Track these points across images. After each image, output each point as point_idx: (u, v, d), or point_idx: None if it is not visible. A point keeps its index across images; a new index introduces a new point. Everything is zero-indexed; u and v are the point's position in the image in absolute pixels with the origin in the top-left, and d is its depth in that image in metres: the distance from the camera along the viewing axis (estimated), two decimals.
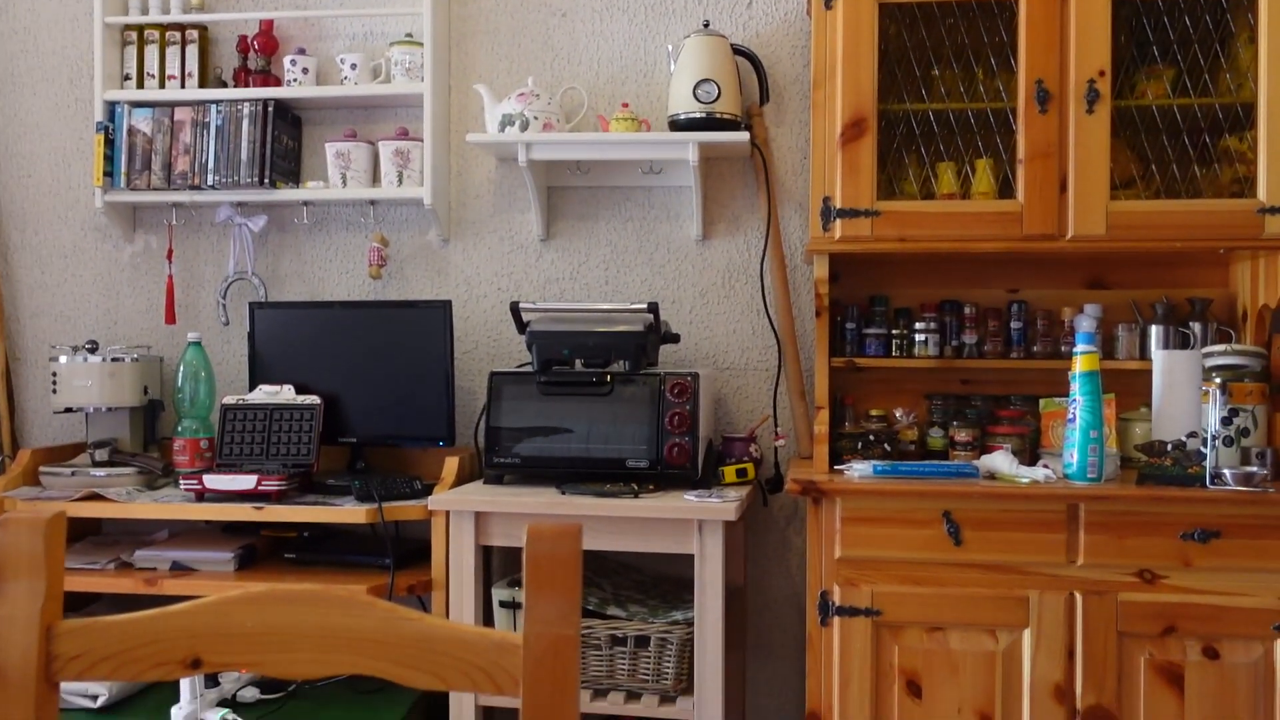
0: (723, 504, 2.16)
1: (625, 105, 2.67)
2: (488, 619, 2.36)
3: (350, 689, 2.49)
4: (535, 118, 2.61)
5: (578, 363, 2.46)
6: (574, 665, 0.82)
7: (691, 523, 2.18)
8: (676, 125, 2.58)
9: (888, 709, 2.16)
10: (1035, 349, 2.52)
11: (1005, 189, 2.38)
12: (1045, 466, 2.23)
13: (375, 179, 2.80)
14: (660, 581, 2.59)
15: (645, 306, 2.43)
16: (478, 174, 2.85)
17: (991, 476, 2.21)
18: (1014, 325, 2.53)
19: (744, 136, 2.54)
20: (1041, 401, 2.44)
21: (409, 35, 2.78)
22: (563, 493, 2.28)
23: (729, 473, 2.44)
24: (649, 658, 2.22)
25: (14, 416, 2.98)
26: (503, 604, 2.33)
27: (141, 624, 0.87)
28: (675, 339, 2.56)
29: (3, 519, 0.89)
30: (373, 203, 2.83)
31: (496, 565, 2.50)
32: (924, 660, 2.15)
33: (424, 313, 2.65)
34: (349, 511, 2.36)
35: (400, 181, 2.74)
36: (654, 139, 2.60)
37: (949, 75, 2.47)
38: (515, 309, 2.49)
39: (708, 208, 2.75)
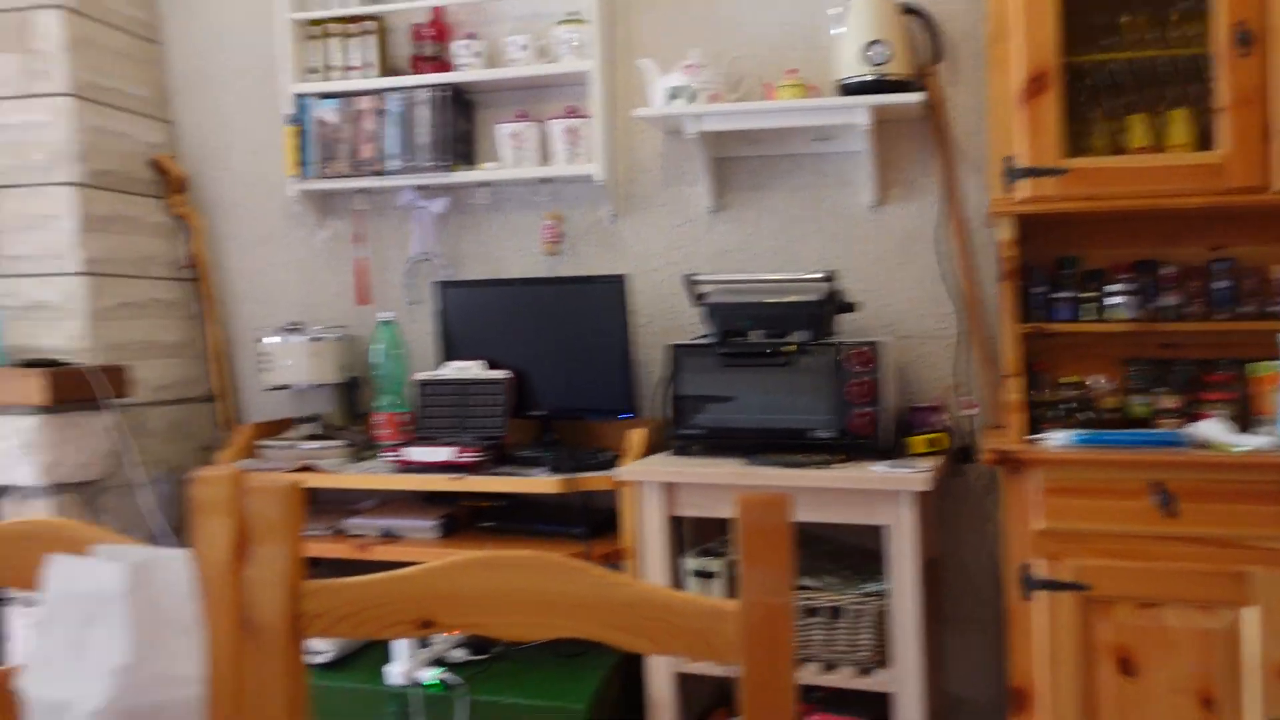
0: (915, 474, 2.14)
1: (792, 72, 2.64)
2: (677, 587, 2.40)
3: (552, 652, 2.58)
4: (702, 89, 2.62)
5: (755, 334, 2.47)
6: (789, 634, 0.84)
7: (884, 494, 2.17)
8: (846, 89, 2.54)
9: (1099, 686, 2.09)
10: (1242, 310, 2.37)
11: (1203, 140, 2.24)
12: (1264, 434, 2.10)
13: (547, 158, 2.87)
14: (849, 552, 2.58)
15: (822, 275, 2.41)
16: (646, 148, 2.88)
17: (1204, 445, 2.10)
18: (1218, 285, 2.38)
19: (917, 98, 2.48)
20: (1250, 366, 2.30)
21: (574, 14, 2.82)
22: (750, 463, 2.30)
23: (918, 442, 2.40)
24: (844, 629, 2.23)
25: (231, 394, 3.20)
26: (697, 573, 2.37)
27: (378, 586, 0.93)
28: (852, 308, 2.53)
29: (249, 489, 0.97)
30: (545, 181, 2.90)
31: (686, 534, 2.53)
32: (1137, 637, 2.07)
33: (600, 287, 2.70)
34: (542, 482, 2.45)
35: (571, 159, 2.80)
36: (823, 105, 2.56)
37: (1139, 21, 2.34)
38: (689, 281, 2.52)
39: (881, 173, 2.70)
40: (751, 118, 2.61)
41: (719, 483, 2.28)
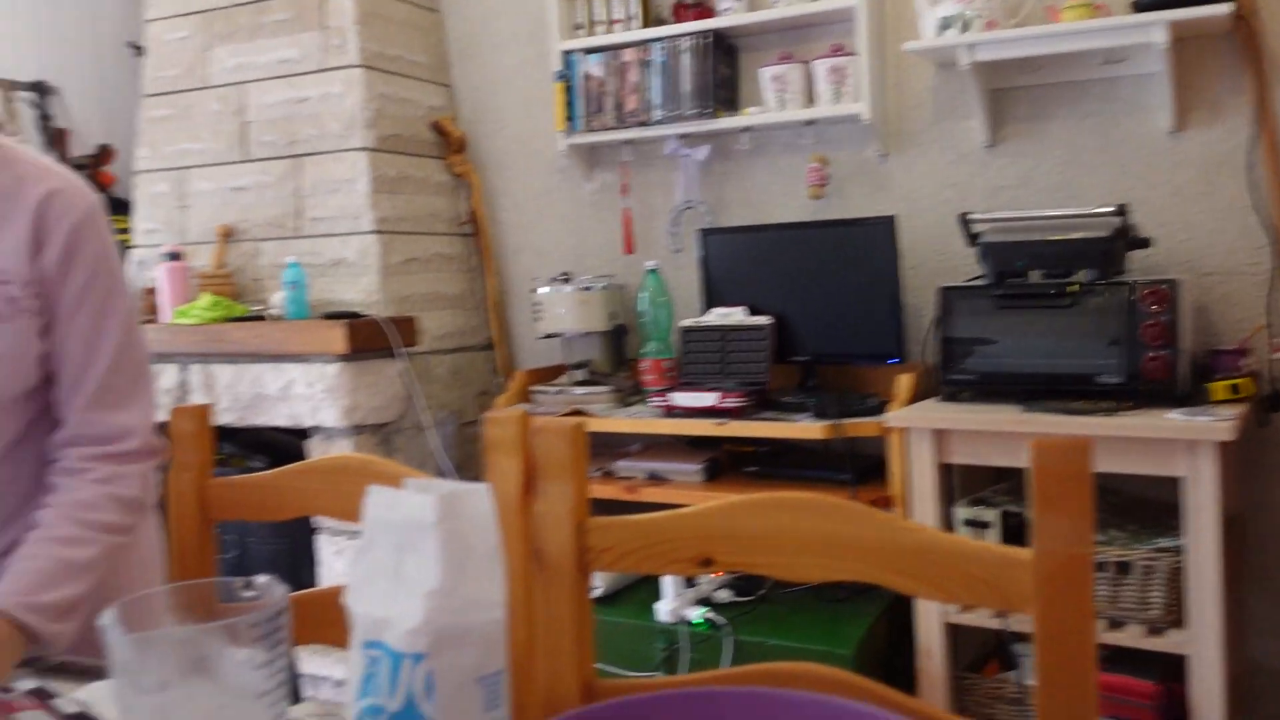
0: (1215, 422, 1.96)
1: None
2: None
3: (817, 597, 2.58)
4: (976, 17, 2.47)
5: (1034, 274, 2.33)
6: (1088, 586, 0.79)
7: (1181, 443, 2.00)
8: (1140, 5, 2.32)
9: None
10: None
11: None
12: None
13: (811, 99, 2.81)
14: (1136, 505, 2.41)
15: (1112, 209, 2.24)
16: (915, 84, 2.77)
17: None
18: None
19: (1225, 8, 2.24)
20: None
21: None
22: (1026, 410, 2.19)
23: (1218, 389, 2.20)
24: (1132, 586, 2.09)
25: (506, 342, 3.37)
26: (968, 523, 2.29)
27: (661, 524, 0.95)
28: (1145, 244, 2.34)
29: (535, 428, 1.01)
30: (810, 123, 2.84)
31: (955, 482, 2.45)
32: None
33: (868, 230, 2.63)
34: (806, 427, 2.43)
35: (837, 99, 2.73)
36: (1115, 24, 2.36)
37: None
38: (964, 220, 2.40)
39: (1180, 95, 2.46)
40: (1033, 44, 2.45)
41: (996, 430, 2.19)
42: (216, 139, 3.24)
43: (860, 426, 2.43)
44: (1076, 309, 2.24)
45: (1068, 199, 2.60)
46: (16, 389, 1.20)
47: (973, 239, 2.40)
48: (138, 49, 3.76)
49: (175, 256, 3.09)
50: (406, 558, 0.73)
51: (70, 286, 1.20)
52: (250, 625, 0.80)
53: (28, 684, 0.81)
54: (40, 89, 3.56)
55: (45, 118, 3.56)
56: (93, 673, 1.09)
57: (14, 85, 3.48)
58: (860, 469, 2.52)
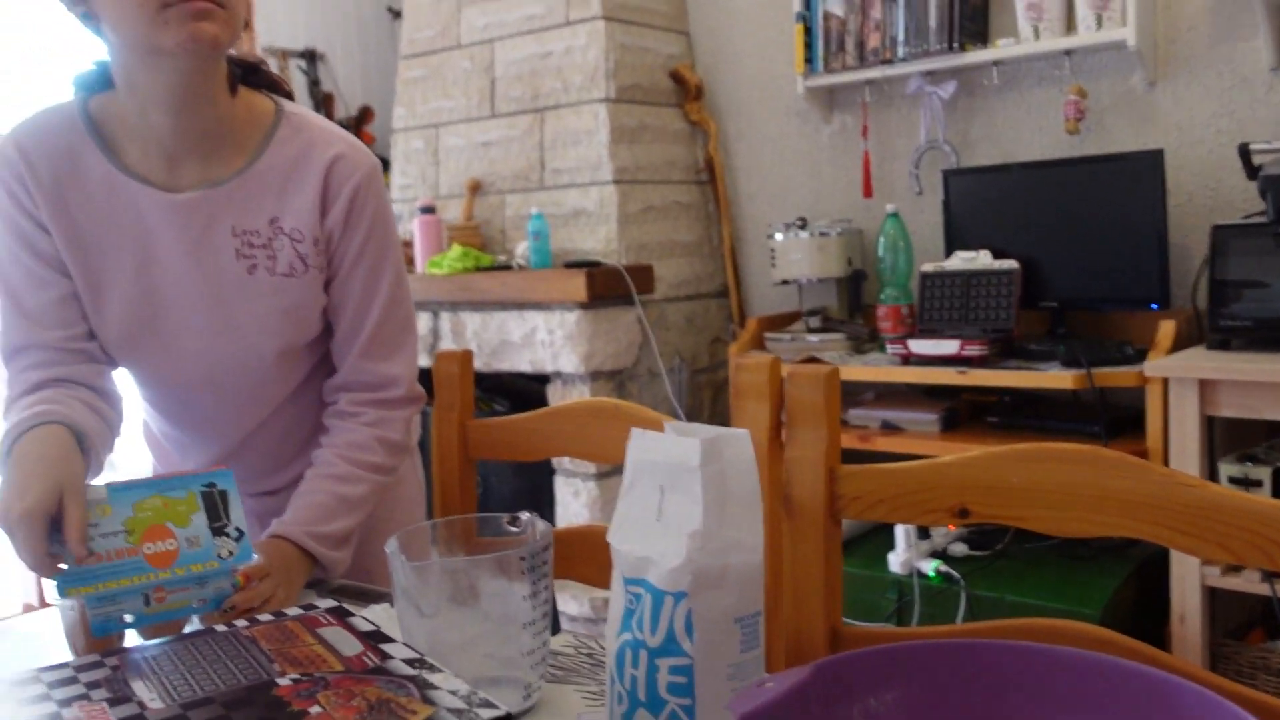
0: None
1: None
2: None
3: (1059, 554, 2.48)
4: None
5: None
6: None
7: None
8: None
9: None
10: None
11: None
12: None
13: (1069, 27, 2.63)
14: None
15: None
16: (1189, 3, 2.54)
17: None
18: None
19: None
20: None
21: None
22: None
23: None
24: None
25: (740, 289, 3.38)
26: (1234, 480, 2.13)
27: (915, 472, 0.94)
28: None
29: (790, 373, 1.01)
30: (1068, 53, 2.66)
31: (1218, 438, 2.28)
32: None
33: (1130, 165, 2.45)
34: (1054, 376, 2.32)
35: (1099, 25, 2.54)
36: None
37: None
38: (1244, 151, 2.20)
39: None
40: None
41: (1272, 380, 2.01)
42: (467, 96, 3.38)
43: (1115, 376, 2.29)
44: None
45: None
46: (304, 338, 1.30)
47: (1253, 172, 2.19)
48: (396, 13, 3.97)
49: (429, 210, 3.27)
50: (669, 499, 0.75)
51: (350, 244, 1.29)
52: (519, 558, 0.84)
53: (326, 603, 0.89)
54: (310, 56, 3.83)
55: (314, 83, 3.83)
56: (369, 596, 1.19)
57: (287, 53, 3.76)
58: (1112, 422, 2.38)
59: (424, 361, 3.03)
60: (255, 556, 1.09)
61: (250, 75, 1.29)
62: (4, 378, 1.24)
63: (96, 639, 0.95)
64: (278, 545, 1.20)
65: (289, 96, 1.34)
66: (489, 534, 0.96)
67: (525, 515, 0.94)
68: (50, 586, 1.02)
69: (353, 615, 0.86)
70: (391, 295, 1.32)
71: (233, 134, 1.24)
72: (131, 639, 0.97)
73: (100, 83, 1.23)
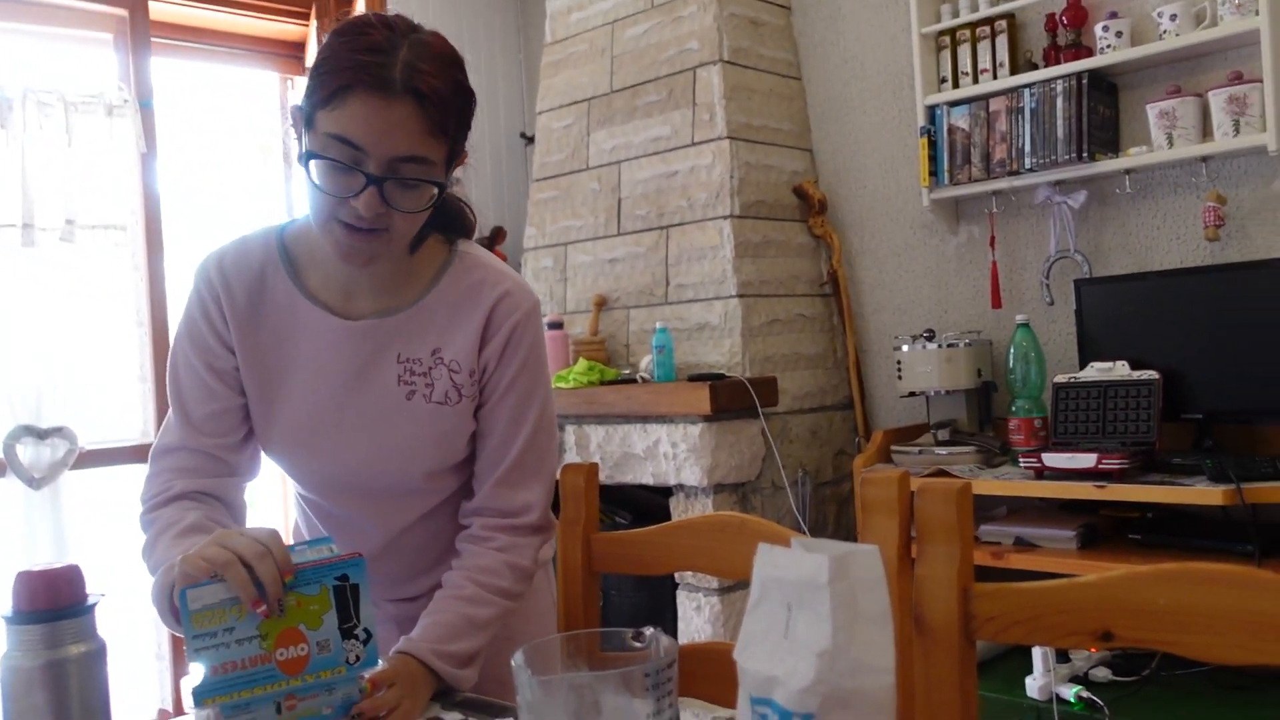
0: None
1: None
2: None
3: (1213, 682, 2.31)
4: None
5: None
6: None
7: None
8: None
9: None
10: None
11: None
12: None
13: (1205, 134, 2.57)
14: None
15: None
16: None
17: None
18: None
19: None
20: None
21: None
22: None
23: None
24: None
25: (865, 401, 3.34)
26: None
27: (1054, 592, 0.90)
28: None
29: (921, 487, 0.99)
30: (1204, 159, 2.60)
31: None
32: None
33: (1274, 271, 2.36)
34: (1201, 492, 2.20)
35: (1237, 131, 2.48)
36: None
37: None
38: None
39: None
40: None
41: None
42: (594, 215, 3.49)
43: (1267, 491, 2.16)
44: None
45: None
46: (451, 461, 1.36)
47: None
48: (529, 139, 4.15)
49: (557, 325, 3.35)
50: (797, 616, 0.74)
51: (504, 375, 1.34)
52: (643, 675, 0.83)
53: (453, 716, 0.89)
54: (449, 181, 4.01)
55: None
56: (494, 710, 1.19)
57: None
58: (1266, 540, 2.23)
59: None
60: (380, 662, 1.11)
61: (446, 220, 1.36)
62: (143, 474, 1.32)
63: None
64: (404, 661, 1.22)
65: (472, 229, 1.41)
66: (612, 648, 0.96)
67: (649, 630, 0.93)
68: (185, 693, 1.05)
69: None
70: (536, 426, 1.37)
71: (409, 274, 1.33)
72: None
73: None
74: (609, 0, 3.50)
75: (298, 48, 3.83)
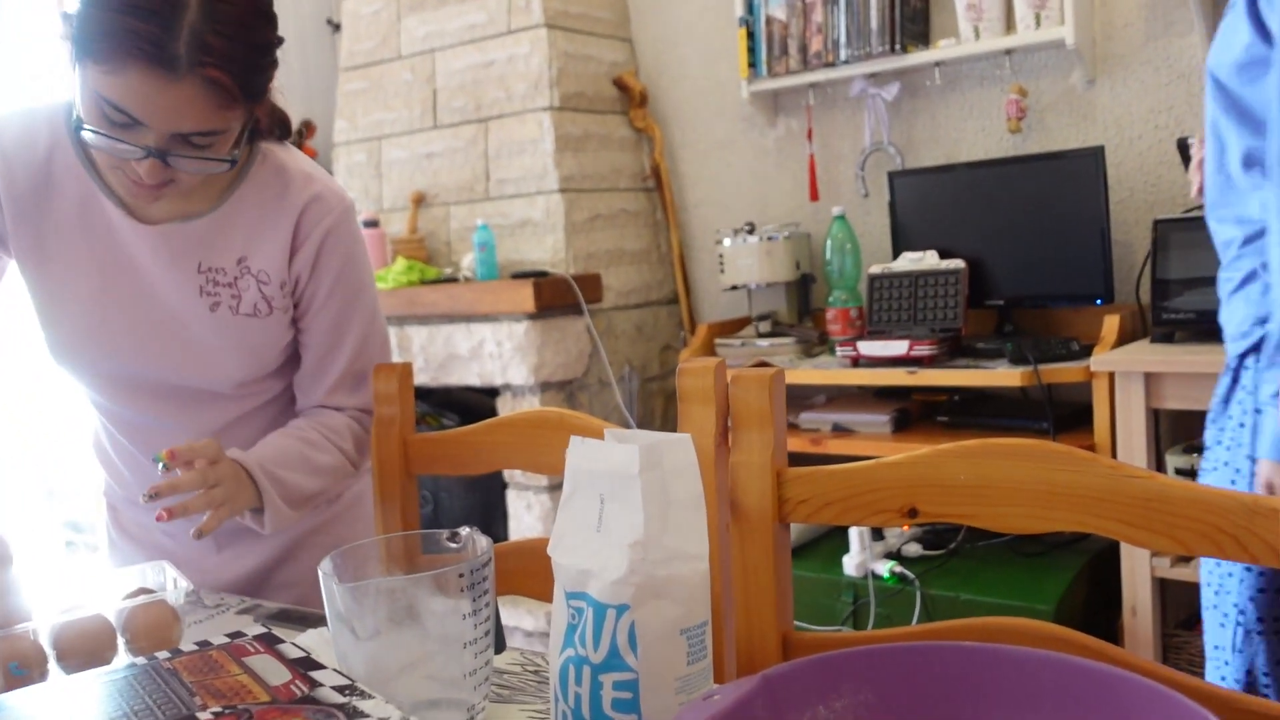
0: None
1: None
2: None
3: (1013, 551, 2.48)
4: None
5: None
6: None
7: None
8: None
9: None
10: None
11: None
12: None
13: (1009, 27, 2.65)
14: None
15: None
16: (1125, 1, 2.57)
17: None
18: None
19: None
20: None
21: None
22: None
23: None
24: None
25: (689, 296, 3.36)
26: (1181, 472, 2.15)
27: (862, 473, 0.92)
28: None
29: (735, 376, 0.99)
30: (1008, 52, 2.68)
31: (1165, 430, 2.30)
32: None
33: (1072, 162, 2.47)
34: (1002, 374, 2.32)
35: (1038, 24, 2.56)
36: None
37: None
38: (1182, 145, 2.22)
39: None
40: None
41: (1216, 371, 2.02)
42: (409, 107, 3.34)
43: (1062, 372, 2.30)
44: None
45: None
46: (263, 371, 1.29)
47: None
48: (335, 26, 3.92)
49: (372, 224, 3.22)
50: (610, 508, 0.73)
51: (319, 286, 1.27)
52: (458, 575, 0.81)
53: (255, 629, 0.85)
54: None
55: None
56: (311, 620, 1.15)
57: None
58: (1060, 417, 2.39)
59: None
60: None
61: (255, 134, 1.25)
62: None
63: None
64: (230, 462, 1.17)
65: (287, 130, 1.31)
66: (431, 551, 0.93)
67: (465, 530, 0.91)
68: None
69: (282, 642, 0.82)
70: (364, 337, 1.32)
71: (209, 177, 1.20)
72: (52, 675, 0.92)
73: None
74: None
75: None
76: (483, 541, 0.88)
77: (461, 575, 0.81)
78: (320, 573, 0.82)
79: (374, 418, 1.35)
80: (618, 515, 0.72)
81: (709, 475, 1.02)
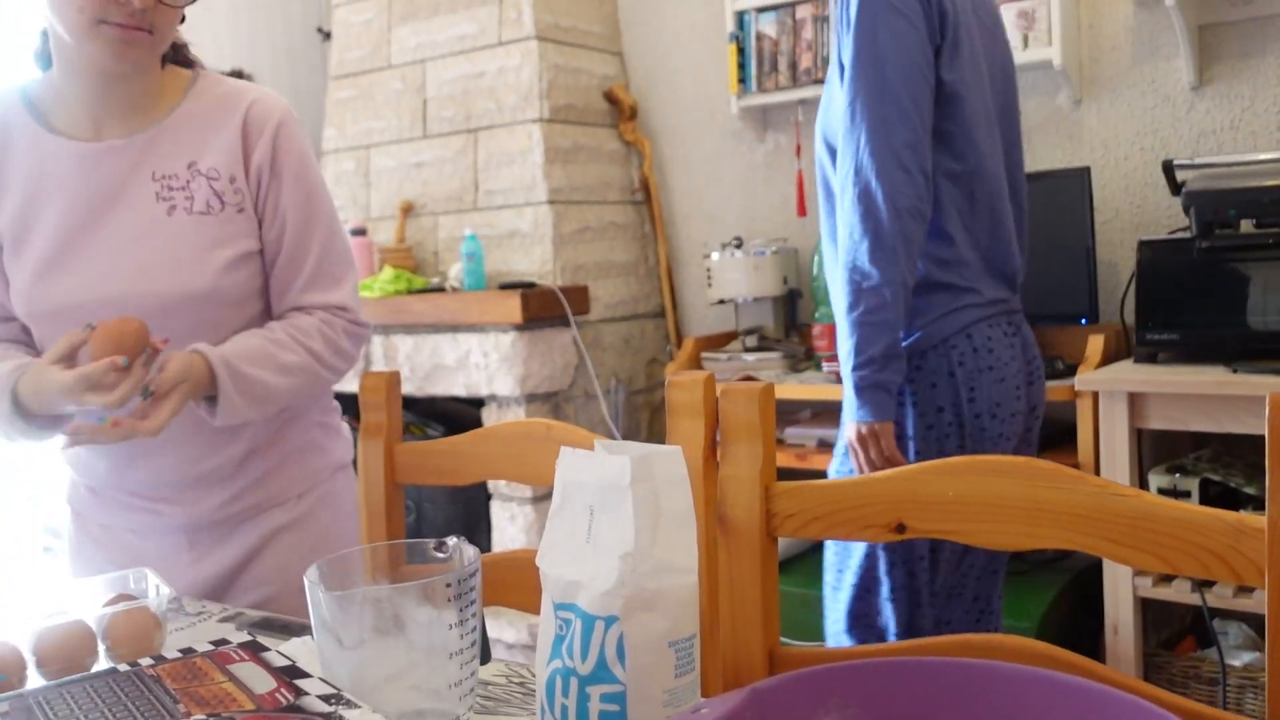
0: None
1: None
2: None
3: None
4: None
5: (1245, 224, 2.16)
6: None
7: None
8: None
9: None
10: None
11: None
12: None
13: None
14: None
15: None
16: (1112, 23, 2.59)
17: None
18: None
19: None
20: None
21: None
22: (1234, 371, 2.03)
23: None
24: None
25: (677, 309, 3.37)
26: (1164, 492, 2.16)
27: (849, 488, 0.92)
28: None
29: (724, 390, 0.99)
30: None
31: (1147, 449, 2.31)
32: None
33: (1058, 182, 2.49)
34: None
35: (1026, 44, 2.58)
36: None
37: None
38: (1168, 168, 2.24)
39: None
40: None
41: (1200, 392, 2.04)
42: (398, 117, 3.34)
43: (1047, 390, 2.30)
44: None
45: None
46: (224, 283, 1.29)
47: (1176, 188, 2.24)
48: (326, 34, 3.92)
49: (360, 232, 3.22)
50: (599, 519, 0.73)
51: (281, 181, 1.32)
52: (444, 585, 0.81)
53: (240, 637, 0.84)
54: (237, 77, 3.75)
55: None
56: (294, 629, 1.14)
57: None
58: (1045, 435, 2.39)
59: (353, 386, 2.97)
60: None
61: (176, 54, 1.36)
62: None
63: None
64: (187, 353, 1.20)
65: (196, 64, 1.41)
66: (416, 561, 0.93)
67: (452, 540, 0.90)
68: None
69: (267, 650, 0.82)
70: (330, 229, 1.35)
71: (155, 95, 1.31)
72: (31, 681, 0.92)
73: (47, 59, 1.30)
74: None
75: None
76: (470, 551, 0.88)
77: (448, 585, 0.81)
78: (306, 581, 0.81)
79: (361, 426, 1.35)
80: (608, 527, 0.72)
81: (697, 488, 1.02)
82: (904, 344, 1.69)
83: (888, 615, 1.76)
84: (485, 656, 0.94)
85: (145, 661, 0.80)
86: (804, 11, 2.88)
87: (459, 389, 3.01)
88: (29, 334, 1.31)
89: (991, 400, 1.71)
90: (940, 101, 1.68)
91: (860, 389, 1.66)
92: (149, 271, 1.26)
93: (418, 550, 0.92)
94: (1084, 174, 2.44)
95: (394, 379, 1.35)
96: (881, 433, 1.67)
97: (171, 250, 1.26)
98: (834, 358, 2.58)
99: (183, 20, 1.28)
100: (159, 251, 1.26)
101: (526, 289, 2.86)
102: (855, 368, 1.67)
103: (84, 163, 1.27)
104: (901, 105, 1.62)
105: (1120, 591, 2.17)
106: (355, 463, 1.44)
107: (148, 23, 1.19)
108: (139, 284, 1.25)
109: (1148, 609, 2.21)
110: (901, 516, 0.91)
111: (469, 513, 3.12)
